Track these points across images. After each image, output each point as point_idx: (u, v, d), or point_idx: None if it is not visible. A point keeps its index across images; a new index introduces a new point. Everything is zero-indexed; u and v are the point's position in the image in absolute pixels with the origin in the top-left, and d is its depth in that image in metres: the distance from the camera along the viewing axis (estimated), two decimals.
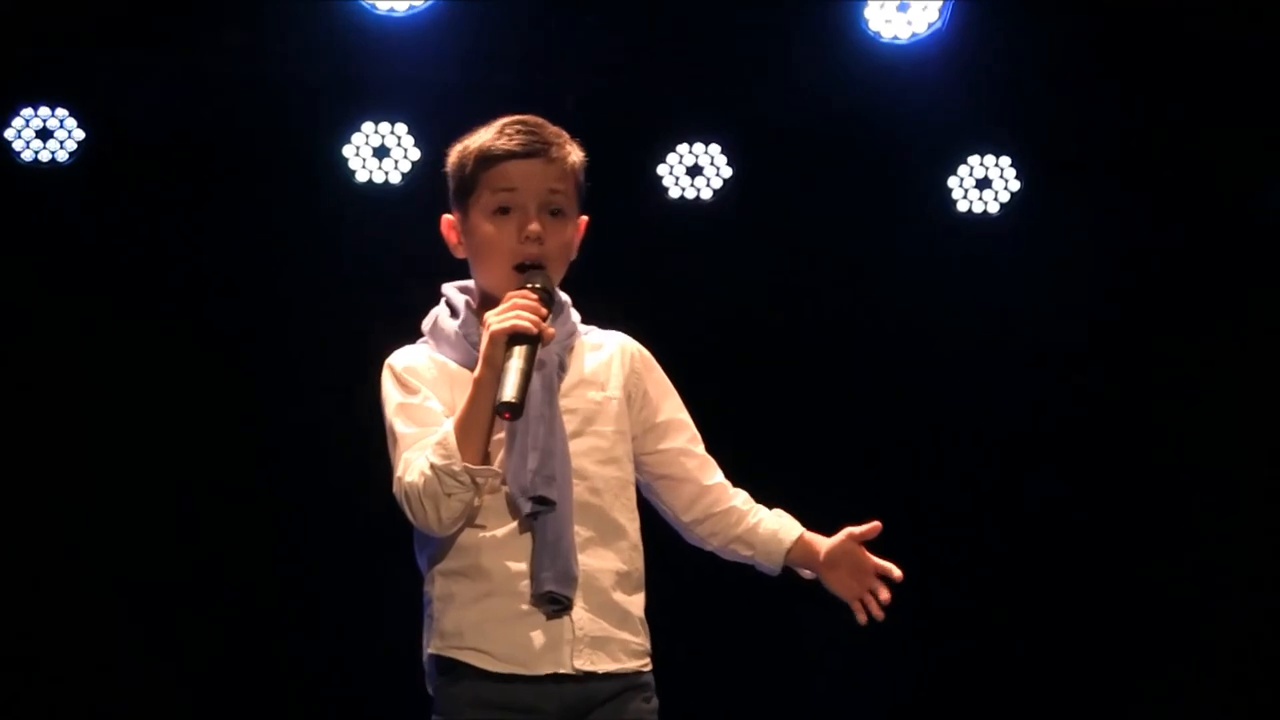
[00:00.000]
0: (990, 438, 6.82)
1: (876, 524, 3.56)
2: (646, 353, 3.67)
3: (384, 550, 6.45)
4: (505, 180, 3.50)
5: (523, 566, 3.41)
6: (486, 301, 3.50)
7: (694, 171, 6.67)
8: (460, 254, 3.60)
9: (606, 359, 3.61)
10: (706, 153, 6.66)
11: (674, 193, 6.66)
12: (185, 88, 6.38)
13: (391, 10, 6.31)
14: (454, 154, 3.58)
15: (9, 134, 6.39)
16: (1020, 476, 6.84)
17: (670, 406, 3.66)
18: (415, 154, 6.53)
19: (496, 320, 3.36)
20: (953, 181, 6.74)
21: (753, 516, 3.65)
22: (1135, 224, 6.79)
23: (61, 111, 6.41)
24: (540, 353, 3.40)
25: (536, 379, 3.40)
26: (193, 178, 6.45)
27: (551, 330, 3.42)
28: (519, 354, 3.32)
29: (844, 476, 6.58)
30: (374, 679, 6.50)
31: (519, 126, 3.53)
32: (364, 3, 6.28)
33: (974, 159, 6.73)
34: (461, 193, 3.56)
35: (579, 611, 3.43)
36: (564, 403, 3.50)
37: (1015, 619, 6.78)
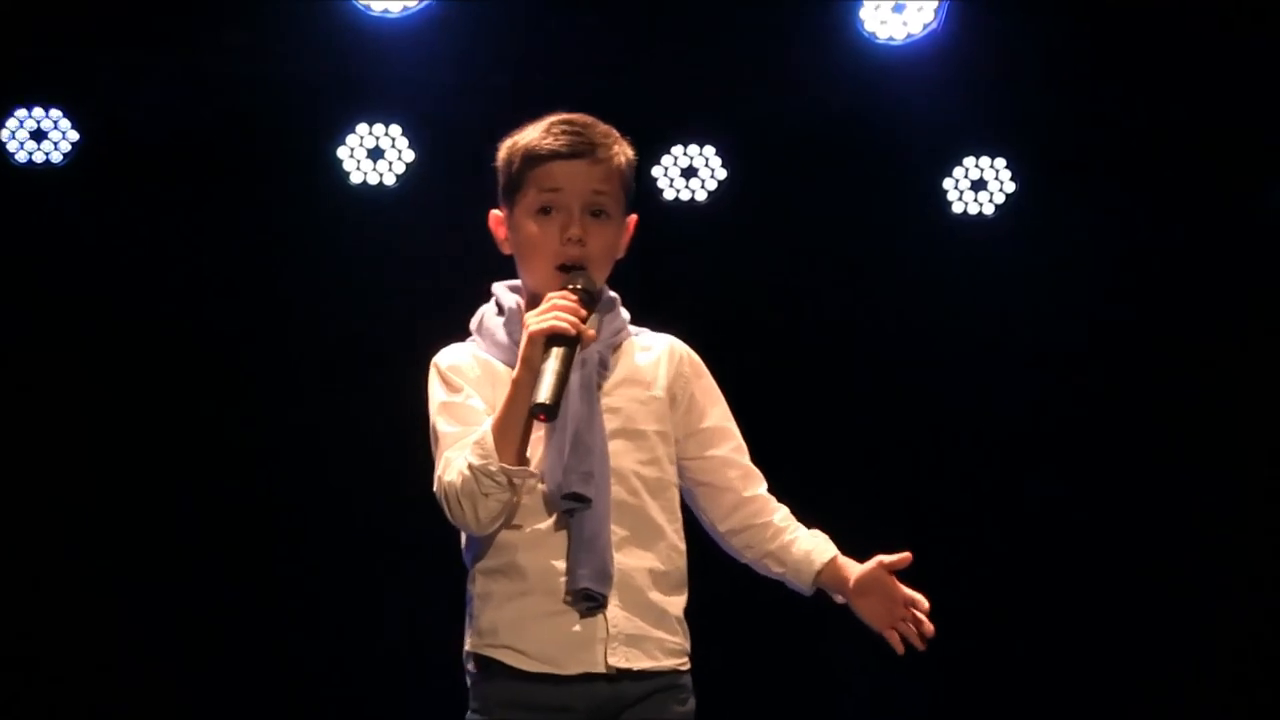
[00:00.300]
0: (989, 438, 6.81)
1: (907, 555, 3.52)
2: (696, 357, 3.68)
3: (384, 550, 6.49)
4: (550, 180, 3.52)
5: (559, 564, 3.43)
6: (534, 300, 3.52)
7: (689, 173, 6.66)
8: (506, 250, 3.62)
9: (654, 360, 3.62)
10: (701, 154, 6.65)
11: (669, 194, 6.65)
12: (179, 89, 6.39)
13: (386, 11, 6.31)
14: (503, 149, 3.60)
15: (3, 135, 6.41)
16: (1020, 476, 6.82)
17: (717, 414, 3.66)
18: (409, 155, 6.55)
19: (535, 321, 3.38)
20: (948, 183, 6.74)
21: (789, 534, 3.62)
22: (1132, 225, 6.77)
23: (55, 113, 6.44)
24: (581, 351, 3.42)
25: (576, 377, 3.42)
26: (186, 179, 6.46)
27: (591, 332, 3.43)
28: (556, 355, 3.34)
29: (842, 477, 6.58)
30: (374, 679, 6.50)
31: (565, 126, 3.55)
32: (358, 4, 6.29)
33: (969, 160, 6.72)
34: (508, 190, 3.58)
35: (613, 609, 3.44)
36: (606, 401, 3.52)
37: (1015, 619, 6.76)
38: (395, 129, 6.53)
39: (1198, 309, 6.78)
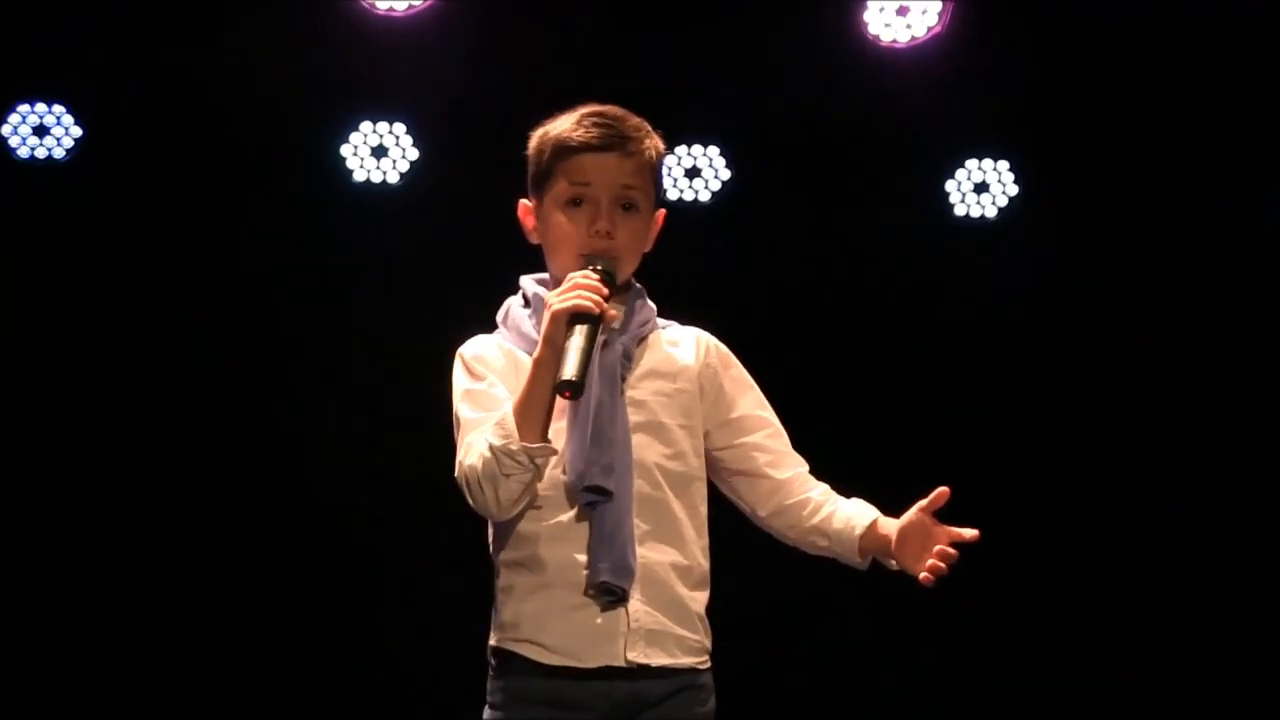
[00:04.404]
0: (990, 442, 6.78)
1: (944, 490, 3.42)
2: (725, 348, 3.68)
3: (385, 551, 6.48)
4: (580, 173, 3.52)
5: (580, 557, 3.42)
6: None
7: (692, 173, 6.66)
8: (534, 240, 3.62)
9: (681, 352, 3.61)
10: (705, 154, 6.66)
11: (672, 194, 6.64)
12: (182, 85, 6.38)
13: (391, 10, 6.33)
14: (534, 139, 3.60)
15: (5, 130, 6.41)
16: (1023, 480, 6.80)
17: (747, 402, 3.65)
18: (414, 154, 6.54)
19: (558, 300, 3.37)
20: (951, 185, 6.74)
21: (828, 507, 3.58)
22: (1136, 228, 6.76)
23: (59, 108, 6.43)
24: (605, 340, 3.43)
25: (600, 367, 3.42)
26: (190, 176, 6.44)
27: (614, 311, 3.44)
28: (580, 333, 3.33)
29: (839, 480, 6.55)
30: (372, 677, 6.50)
31: (597, 118, 3.56)
32: (364, 2, 6.30)
33: (972, 163, 6.72)
34: (538, 180, 3.58)
35: (635, 604, 3.42)
36: (632, 394, 3.51)
37: (1016, 620, 6.73)
38: (399, 127, 6.53)
39: (1203, 311, 6.77)
